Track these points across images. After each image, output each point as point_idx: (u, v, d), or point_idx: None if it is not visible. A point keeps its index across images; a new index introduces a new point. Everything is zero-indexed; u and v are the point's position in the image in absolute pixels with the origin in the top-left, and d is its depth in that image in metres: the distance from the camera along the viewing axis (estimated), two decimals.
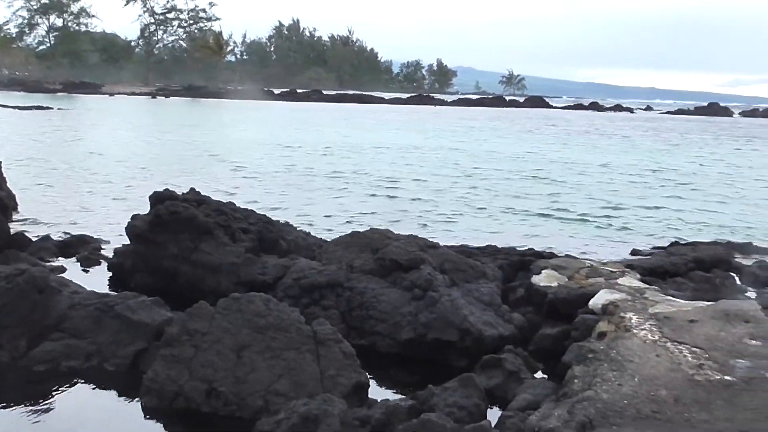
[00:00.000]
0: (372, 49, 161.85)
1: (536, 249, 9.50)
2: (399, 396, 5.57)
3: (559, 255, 9.15)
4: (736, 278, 9.41)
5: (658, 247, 11.33)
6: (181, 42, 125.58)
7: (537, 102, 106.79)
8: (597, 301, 6.46)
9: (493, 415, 5.12)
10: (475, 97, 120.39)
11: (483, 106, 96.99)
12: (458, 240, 10.82)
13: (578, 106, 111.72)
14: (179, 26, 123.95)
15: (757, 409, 4.24)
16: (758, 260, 10.40)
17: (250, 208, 9.19)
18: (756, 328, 5.42)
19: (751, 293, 8.66)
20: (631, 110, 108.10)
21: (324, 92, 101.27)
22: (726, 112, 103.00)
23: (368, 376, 5.50)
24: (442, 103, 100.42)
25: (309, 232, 9.85)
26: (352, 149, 28.09)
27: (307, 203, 15.11)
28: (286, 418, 4.51)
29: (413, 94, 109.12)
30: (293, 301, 6.64)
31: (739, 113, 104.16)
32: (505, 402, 5.40)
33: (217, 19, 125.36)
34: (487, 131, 44.81)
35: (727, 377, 4.64)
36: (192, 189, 8.98)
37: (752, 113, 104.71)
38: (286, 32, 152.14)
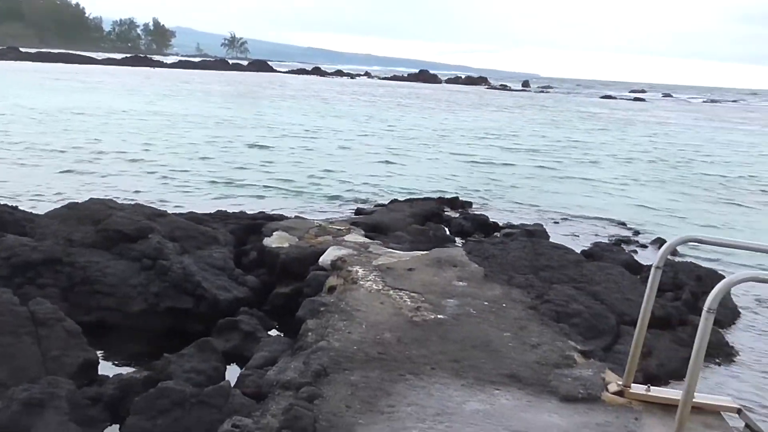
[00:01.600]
0: (77, 4, 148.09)
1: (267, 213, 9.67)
2: (134, 369, 5.38)
3: (289, 217, 9.40)
4: (446, 229, 10.51)
5: (380, 205, 12.18)
6: None
7: (261, 66, 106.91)
8: (326, 257, 6.81)
9: (234, 375, 5.19)
10: (196, 59, 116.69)
11: (205, 69, 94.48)
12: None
13: (302, 71, 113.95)
14: None
15: (464, 340, 4.85)
16: (463, 212, 11.72)
17: None
18: (462, 271, 6.16)
19: (459, 241, 9.75)
20: (351, 76, 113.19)
21: (22, 50, 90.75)
22: (435, 79, 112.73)
23: (99, 353, 5.22)
24: (161, 65, 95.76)
25: (16, 206, 8.89)
26: (49, 115, 25.48)
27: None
28: (4, 408, 4.12)
29: (128, 55, 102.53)
30: (4, 282, 5.99)
31: (446, 80, 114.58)
32: (244, 362, 5.50)
33: None
34: (216, 96, 43.93)
35: (440, 316, 5.22)
36: None
37: (456, 80, 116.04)
38: None
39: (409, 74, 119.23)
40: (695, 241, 4.24)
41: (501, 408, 4.02)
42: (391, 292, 5.64)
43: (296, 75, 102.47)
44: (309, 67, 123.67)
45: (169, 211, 8.37)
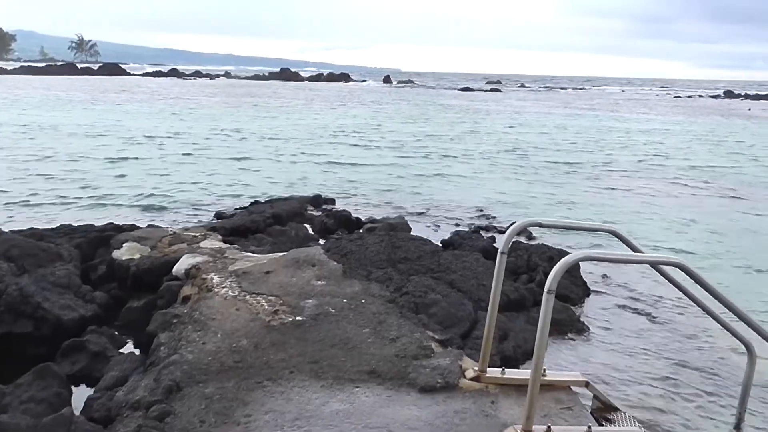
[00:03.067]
0: None
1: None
2: None
3: (141, 227, 8.95)
4: (309, 228, 10.42)
5: (240, 208, 11.89)
6: None
7: (113, 69, 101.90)
8: (180, 266, 6.52)
9: (82, 400, 4.85)
10: (41, 64, 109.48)
11: (51, 74, 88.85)
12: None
13: (158, 73, 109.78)
14: None
15: (323, 339, 4.78)
16: (326, 210, 11.68)
17: None
18: (320, 270, 6.09)
19: (321, 240, 9.68)
20: (211, 76, 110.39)
21: None
22: (297, 76, 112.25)
23: None
24: (2, 71, 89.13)
25: None
26: None
27: None
28: None
29: None
30: None
31: (308, 77, 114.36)
32: (94, 383, 5.15)
33: None
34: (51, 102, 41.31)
35: (298, 317, 5.12)
36: None
37: (318, 77, 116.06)
38: None
39: (270, 73, 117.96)
40: (536, 225, 4.41)
41: (361, 406, 3.99)
42: (247, 297, 5.48)
43: (152, 78, 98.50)
44: (166, 69, 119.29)
45: (5, 229, 7.73)
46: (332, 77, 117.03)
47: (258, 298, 5.45)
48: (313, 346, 4.68)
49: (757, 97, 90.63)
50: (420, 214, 12.69)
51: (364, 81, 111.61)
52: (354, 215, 11.27)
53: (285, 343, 4.72)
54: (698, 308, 4.96)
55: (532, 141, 27.43)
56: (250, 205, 11.78)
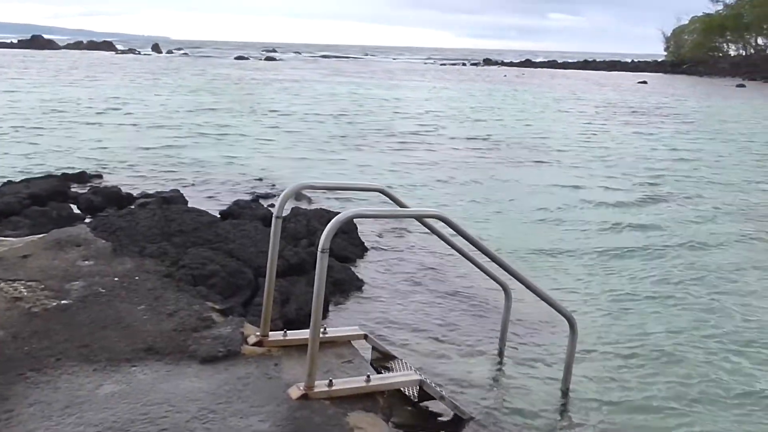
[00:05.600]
0: None
1: None
2: None
3: None
4: (74, 207, 9.67)
5: None
6: None
7: None
8: None
9: None
10: None
11: None
12: None
13: None
14: None
15: (94, 322, 4.51)
16: (93, 187, 10.90)
17: None
18: (87, 250, 5.70)
19: (89, 219, 9.04)
20: None
21: None
22: (52, 45, 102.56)
23: None
24: None
25: None
26: None
27: None
28: None
29: None
30: None
31: (65, 46, 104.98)
32: None
33: None
34: None
35: (63, 302, 4.76)
36: None
37: (77, 45, 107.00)
38: None
39: (19, 41, 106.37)
40: (308, 188, 4.52)
41: (139, 384, 3.84)
42: (2, 285, 4.98)
43: None
44: None
45: None
46: (93, 45, 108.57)
47: (15, 284, 4.98)
48: (82, 330, 4.40)
49: (511, 65, 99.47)
50: (196, 185, 12.32)
51: (131, 49, 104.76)
52: (125, 191, 10.65)
53: (49, 329, 4.37)
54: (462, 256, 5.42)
55: (313, 108, 27.71)
56: (2, 185, 10.62)
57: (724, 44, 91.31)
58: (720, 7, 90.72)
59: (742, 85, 57.85)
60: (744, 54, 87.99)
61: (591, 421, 4.71)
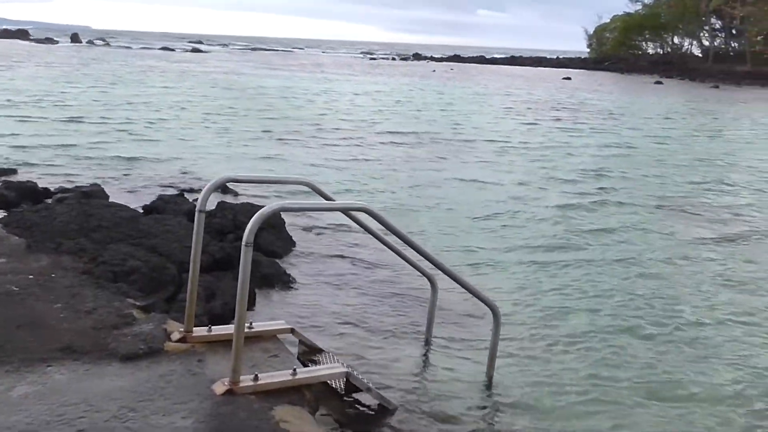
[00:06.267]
0: None
1: None
2: None
3: None
4: None
5: None
6: None
7: None
8: None
9: None
10: None
11: None
12: None
13: None
14: None
15: (5, 322, 4.32)
16: (6, 182, 10.44)
17: None
18: None
19: (1, 214, 8.65)
20: None
21: None
22: None
23: None
24: None
25: None
26: None
27: None
28: None
29: None
30: None
31: None
32: None
33: None
34: None
35: None
36: None
37: None
38: None
39: None
40: (232, 181, 4.45)
41: (55, 384, 3.72)
42: None
43: None
44: None
45: None
46: (7, 34, 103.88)
47: None
48: None
49: (441, 59, 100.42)
50: (118, 180, 11.96)
51: (48, 39, 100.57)
52: (41, 186, 10.23)
53: None
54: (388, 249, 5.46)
55: (241, 103, 27.28)
56: None
57: (643, 42, 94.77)
58: (639, 6, 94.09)
59: (660, 82, 60.25)
60: (661, 52, 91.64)
61: (515, 406, 4.84)
